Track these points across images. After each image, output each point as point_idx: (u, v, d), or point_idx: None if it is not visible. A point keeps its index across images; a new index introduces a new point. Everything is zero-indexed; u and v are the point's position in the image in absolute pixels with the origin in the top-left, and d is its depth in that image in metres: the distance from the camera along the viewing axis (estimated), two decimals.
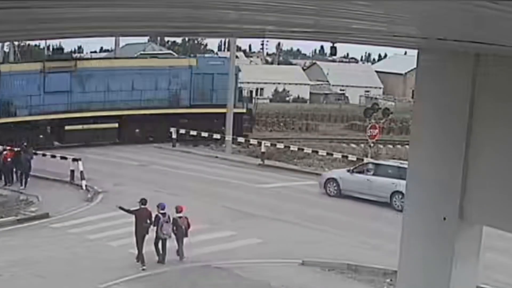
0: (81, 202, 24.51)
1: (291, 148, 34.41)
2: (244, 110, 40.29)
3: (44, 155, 29.87)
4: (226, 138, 36.07)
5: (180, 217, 18.15)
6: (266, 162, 33.23)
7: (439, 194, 7.99)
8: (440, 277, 7.99)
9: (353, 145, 39.90)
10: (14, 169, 27.23)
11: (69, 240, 19.86)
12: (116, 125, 36.70)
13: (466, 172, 7.67)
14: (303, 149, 34.00)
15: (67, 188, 26.87)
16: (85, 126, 35.57)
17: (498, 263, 17.67)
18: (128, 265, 17.74)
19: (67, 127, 35.57)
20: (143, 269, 17.47)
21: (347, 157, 31.79)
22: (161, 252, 18.02)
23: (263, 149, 33.54)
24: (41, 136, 35.03)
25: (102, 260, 18.10)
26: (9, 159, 27.17)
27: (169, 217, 17.93)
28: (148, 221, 17.77)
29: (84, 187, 26.45)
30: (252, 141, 35.63)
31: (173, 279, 17.19)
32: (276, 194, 26.93)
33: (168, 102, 38.21)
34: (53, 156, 29.42)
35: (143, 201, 18.09)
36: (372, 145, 32.48)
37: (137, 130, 36.99)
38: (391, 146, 40.29)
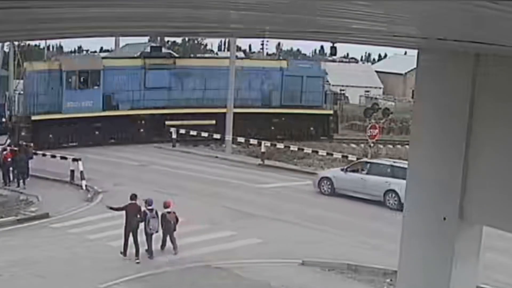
0: (81, 202, 24.51)
1: (291, 148, 34.40)
2: (331, 112, 41.73)
3: (44, 155, 29.88)
4: (226, 138, 36.11)
5: (168, 212, 18.50)
6: (266, 162, 33.22)
7: (439, 194, 7.98)
8: (440, 277, 7.99)
9: (353, 145, 39.89)
10: (11, 169, 27.27)
11: (69, 240, 19.87)
12: (214, 122, 37.84)
13: (466, 172, 7.67)
14: (303, 149, 34.00)
15: (67, 188, 26.87)
16: (185, 122, 36.82)
17: (498, 263, 17.67)
18: (128, 265, 17.75)
19: (167, 122, 36.96)
20: (123, 256, 18.04)
21: (347, 157, 31.78)
22: (148, 246, 18.38)
23: (263, 149, 33.54)
24: (141, 130, 36.69)
25: (102, 260, 18.10)
26: (9, 159, 27.19)
27: (156, 213, 18.27)
28: (138, 216, 18.13)
29: (84, 187, 26.45)
30: (252, 141, 35.67)
31: (173, 279, 17.20)
32: (276, 194, 26.93)
33: (261, 101, 39.60)
34: (53, 156, 29.42)
35: (133, 196, 18.55)
36: (372, 145, 32.48)
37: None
38: (391, 146, 40.29)
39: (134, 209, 18.27)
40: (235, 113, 37.36)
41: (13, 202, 24.11)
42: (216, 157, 34.53)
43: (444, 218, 7.86)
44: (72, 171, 27.48)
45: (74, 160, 27.73)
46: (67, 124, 34.98)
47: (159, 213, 18.40)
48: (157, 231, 18.30)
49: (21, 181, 26.63)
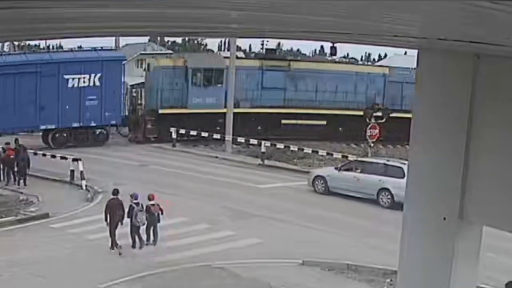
0: (81, 202, 24.50)
1: (291, 148, 34.41)
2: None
3: (44, 155, 29.86)
4: (226, 138, 36.14)
5: (152, 205, 19.10)
6: (266, 162, 33.23)
7: (439, 194, 7.98)
8: (440, 277, 7.99)
9: (353, 145, 39.91)
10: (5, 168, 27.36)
11: (69, 240, 19.87)
12: (325, 122, 39.53)
13: (466, 172, 7.66)
14: (303, 149, 34.00)
15: (67, 188, 26.87)
16: (299, 122, 38.79)
17: (498, 263, 17.66)
18: (128, 265, 17.76)
19: (283, 121, 38.97)
20: (112, 249, 18.76)
21: (347, 157, 31.79)
22: (137, 239, 19.06)
23: (263, 149, 33.54)
24: (259, 127, 38.60)
25: (102, 260, 18.12)
26: (11, 156, 27.19)
27: (142, 206, 18.90)
28: (121, 210, 18.81)
29: (84, 187, 26.45)
30: (252, 141, 35.71)
31: (172, 279, 17.19)
32: (276, 194, 26.94)
33: (365, 105, 40.73)
34: (53, 156, 29.41)
35: (115, 192, 19.31)
36: (372, 145, 32.46)
37: (340, 129, 39.69)
38: (391, 146, 40.32)
39: (116, 204, 18.95)
40: (342, 115, 38.96)
41: (13, 202, 24.11)
42: (216, 157, 34.53)
43: (444, 218, 7.86)
44: (72, 171, 27.48)
45: (74, 160, 27.72)
46: (192, 119, 37.04)
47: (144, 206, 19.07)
48: (144, 224, 18.98)
49: (21, 180, 26.62)
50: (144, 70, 41.63)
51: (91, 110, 35.83)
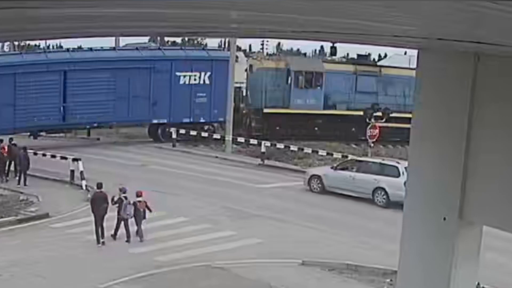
0: (81, 202, 24.48)
1: (291, 148, 34.42)
2: None
3: (44, 155, 29.86)
4: (226, 138, 36.15)
5: (139, 201, 19.57)
6: (266, 162, 33.22)
7: (439, 194, 7.97)
8: (440, 277, 7.98)
9: (354, 145, 39.95)
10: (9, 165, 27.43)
11: (69, 240, 19.88)
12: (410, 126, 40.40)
13: (466, 172, 7.66)
14: (303, 149, 34.01)
15: (67, 188, 26.86)
16: (389, 125, 39.85)
17: (498, 263, 17.67)
18: (128, 265, 17.76)
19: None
20: (102, 243, 19.37)
21: (347, 157, 31.79)
22: (125, 231, 19.70)
23: (263, 149, 33.53)
24: (353, 129, 39.92)
25: (101, 260, 18.13)
26: (5, 155, 27.19)
27: (129, 200, 19.50)
28: (106, 203, 19.48)
29: (84, 187, 26.44)
30: (252, 141, 35.73)
31: (172, 279, 17.20)
32: (276, 194, 26.94)
33: None
34: (53, 156, 29.40)
35: (99, 185, 20.15)
36: (372, 145, 32.46)
37: None
38: (391, 146, 40.33)
39: (101, 197, 19.61)
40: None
41: (13, 202, 24.10)
42: (216, 157, 34.53)
43: (444, 218, 7.86)
44: (72, 171, 27.47)
45: (74, 160, 27.71)
46: (293, 118, 39.00)
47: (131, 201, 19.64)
48: (131, 217, 19.54)
49: (22, 179, 26.58)
50: (246, 70, 43.36)
51: (200, 107, 37.80)
